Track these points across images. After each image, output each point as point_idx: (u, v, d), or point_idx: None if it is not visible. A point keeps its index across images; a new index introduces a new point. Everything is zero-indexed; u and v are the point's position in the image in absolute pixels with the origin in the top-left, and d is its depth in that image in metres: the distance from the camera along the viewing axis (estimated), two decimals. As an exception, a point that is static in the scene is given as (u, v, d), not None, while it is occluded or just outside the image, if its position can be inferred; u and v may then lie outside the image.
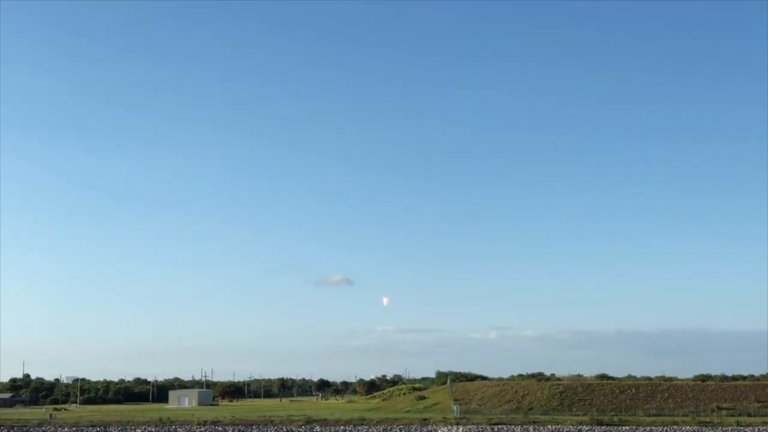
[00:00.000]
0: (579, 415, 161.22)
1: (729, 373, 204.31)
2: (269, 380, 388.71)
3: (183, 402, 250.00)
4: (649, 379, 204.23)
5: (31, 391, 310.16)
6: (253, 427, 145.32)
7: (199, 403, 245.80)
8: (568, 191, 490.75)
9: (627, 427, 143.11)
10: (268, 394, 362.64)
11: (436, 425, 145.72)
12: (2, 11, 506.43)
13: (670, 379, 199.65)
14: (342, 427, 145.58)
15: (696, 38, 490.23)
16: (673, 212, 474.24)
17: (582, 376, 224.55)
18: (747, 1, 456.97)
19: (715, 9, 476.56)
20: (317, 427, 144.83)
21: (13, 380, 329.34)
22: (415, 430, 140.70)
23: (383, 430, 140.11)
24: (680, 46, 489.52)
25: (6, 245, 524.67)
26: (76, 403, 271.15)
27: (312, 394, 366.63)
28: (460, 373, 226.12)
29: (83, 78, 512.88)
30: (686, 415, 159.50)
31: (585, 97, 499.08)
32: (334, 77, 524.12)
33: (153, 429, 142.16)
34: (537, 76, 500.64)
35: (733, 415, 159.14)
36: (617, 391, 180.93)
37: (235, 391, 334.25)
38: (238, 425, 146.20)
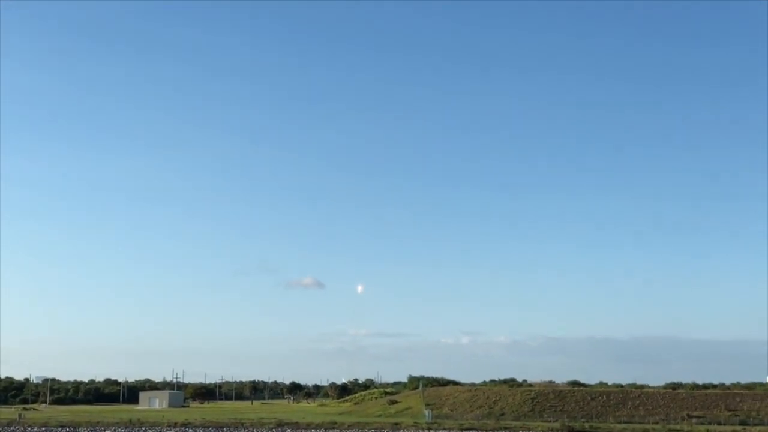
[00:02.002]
0: (550, 422, 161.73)
1: (700, 382, 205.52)
2: (241, 383, 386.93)
3: (153, 403, 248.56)
4: (621, 386, 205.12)
5: (0, 390, 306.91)
6: (224, 429, 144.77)
7: (170, 405, 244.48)
8: (542, 197, 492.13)
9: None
10: (240, 397, 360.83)
11: (407, 430, 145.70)
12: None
13: (641, 386, 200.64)
14: (313, 430, 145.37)
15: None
16: (644, 221, 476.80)
17: (554, 382, 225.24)
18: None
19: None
20: (288, 430, 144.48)
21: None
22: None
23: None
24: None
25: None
26: (45, 403, 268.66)
27: (284, 397, 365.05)
28: (432, 378, 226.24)
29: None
30: (657, 423, 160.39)
31: (565, 103, 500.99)
32: (313, 77, 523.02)
33: (123, 430, 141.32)
34: (520, 78, 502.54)
35: (703, 423, 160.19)
36: (588, 398, 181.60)
37: (206, 393, 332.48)
38: (208, 427, 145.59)
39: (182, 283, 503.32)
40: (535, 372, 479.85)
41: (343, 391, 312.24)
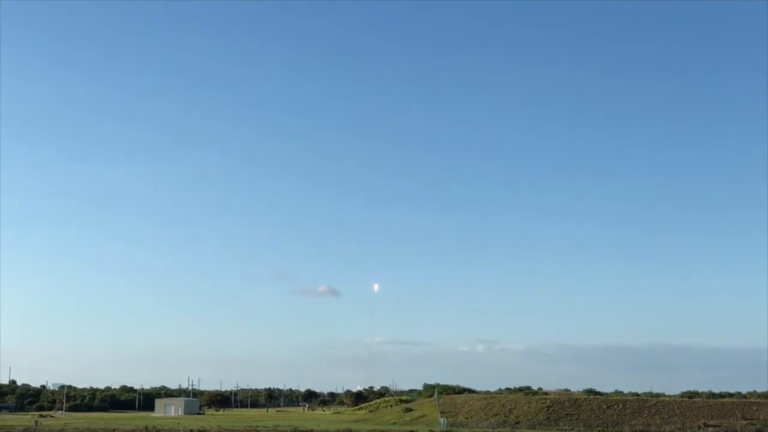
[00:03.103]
0: (566, 430, 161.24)
1: (716, 390, 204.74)
2: (256, 390, 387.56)
3: (169, 410, 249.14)
4: (636, 394, 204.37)
5: (16, 397, 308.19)
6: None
7: (185, 412, 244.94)
8: (555, 206, 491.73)
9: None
10: (255, 404, 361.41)
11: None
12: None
13: (658, 395, 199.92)
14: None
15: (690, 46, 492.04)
16: (660, 228, 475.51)
17: (569, 390, 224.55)
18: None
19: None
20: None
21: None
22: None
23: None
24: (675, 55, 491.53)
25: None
26: (61, 410, 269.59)
27: (299, 405, 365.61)
28: (448, 385, 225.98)
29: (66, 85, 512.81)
30: (673, 431, 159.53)
31: (569, 109, 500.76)
32: (317, 83, 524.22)
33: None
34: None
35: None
36: (604, 406, 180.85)
37: (221, 400, 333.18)
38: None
39: (198, 291, 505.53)
40: (550, 380, 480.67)
41: (359, 398, 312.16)
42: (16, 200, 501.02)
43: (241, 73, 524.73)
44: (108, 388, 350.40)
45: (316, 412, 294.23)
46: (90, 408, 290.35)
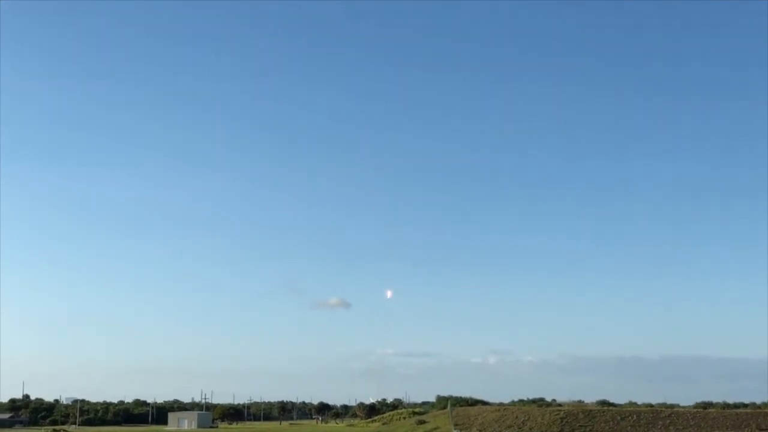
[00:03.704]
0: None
1: (731, 401, 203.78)
2: (269, 403, 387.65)
3: (182, 424, 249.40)
4: (651, 405, 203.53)
5: (30, 411, 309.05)
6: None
7: (199, 426, 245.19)
8: (567, 217, 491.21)
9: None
10: (268, 417, 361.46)
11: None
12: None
13: (672, 406, 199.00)
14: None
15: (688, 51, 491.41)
16: (672, 239, 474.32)
17: (583, 402, 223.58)
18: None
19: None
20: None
21: (13, 401, 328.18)
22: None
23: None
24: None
25: (4, 265, 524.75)
26: (75, 424, 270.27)
27: (312, 418, 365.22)
28: (461, 397, 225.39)
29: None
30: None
31: (578, 120, 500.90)
32: (344, 101, 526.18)
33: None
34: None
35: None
36: (618, 418, 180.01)
37: (234, 413, 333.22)
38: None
39: (211, 304, 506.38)
40: (563, 391, 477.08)
41: (372, 411, 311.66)
42: (26, 213, 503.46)
43: (250, 90, 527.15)
44: (121, 402, 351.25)
45: (329, 424, 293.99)
46: (103, 422, 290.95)
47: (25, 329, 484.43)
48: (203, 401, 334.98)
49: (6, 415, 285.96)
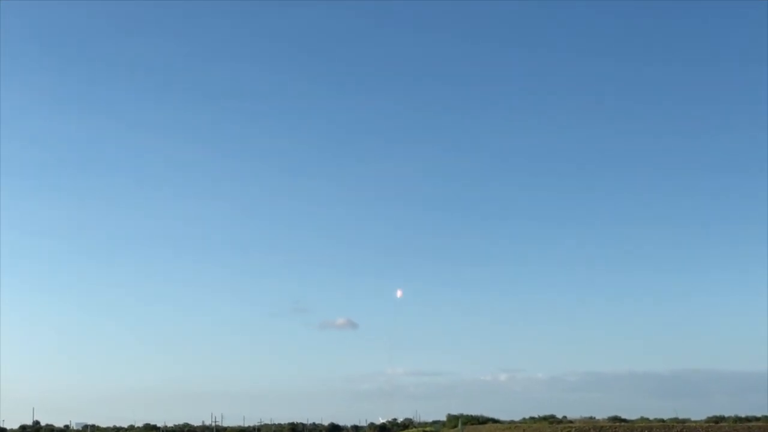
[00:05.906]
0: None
1: (742, 414, 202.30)
2: (279, 425, 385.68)
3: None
4: (662, 420, 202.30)
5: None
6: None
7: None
8: (576, 232, 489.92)
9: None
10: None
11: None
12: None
13: (684, 420, 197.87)
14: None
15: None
16: (682, 250, 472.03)
17: (594, 418, 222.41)
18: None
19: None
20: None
21: (23, 427, 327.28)
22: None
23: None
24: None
25: (8, 289, 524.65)
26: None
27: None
28: (471, 415, 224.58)
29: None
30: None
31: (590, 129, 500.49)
32: (351, 112, 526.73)
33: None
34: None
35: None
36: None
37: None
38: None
39: (219, 325, 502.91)
40: (574, 408, 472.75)
41: (382, 430, 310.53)
42: (34, 239, 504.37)
43: (256, 108, 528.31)
44: (132, 427, 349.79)
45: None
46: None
47: (34, 355, 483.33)
48: (213, 424, 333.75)
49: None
